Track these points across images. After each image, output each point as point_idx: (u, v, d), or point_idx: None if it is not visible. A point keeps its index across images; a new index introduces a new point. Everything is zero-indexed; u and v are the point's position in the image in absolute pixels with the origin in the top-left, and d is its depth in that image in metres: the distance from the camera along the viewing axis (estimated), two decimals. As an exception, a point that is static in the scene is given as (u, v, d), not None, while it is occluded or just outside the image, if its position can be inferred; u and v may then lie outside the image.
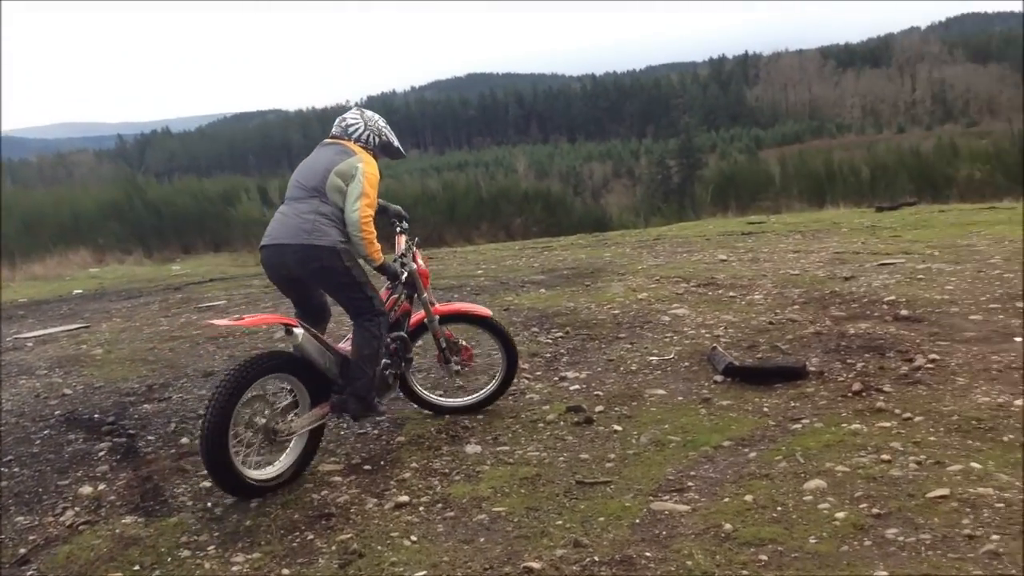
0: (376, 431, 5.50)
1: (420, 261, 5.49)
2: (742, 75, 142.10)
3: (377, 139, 5.28)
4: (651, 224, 23.20)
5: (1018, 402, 4.92)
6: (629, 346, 6.86)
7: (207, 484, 4.75)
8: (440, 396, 5.84)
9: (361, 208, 4.87)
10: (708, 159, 66.44)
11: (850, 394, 5.40)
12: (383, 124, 5.32)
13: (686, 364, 6.32)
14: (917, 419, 4.85)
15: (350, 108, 5.42)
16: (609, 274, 9.93)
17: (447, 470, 4.78)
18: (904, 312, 7.10)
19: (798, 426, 4.97)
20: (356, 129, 5.20)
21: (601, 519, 4.00)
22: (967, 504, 3.74)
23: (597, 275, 9.92)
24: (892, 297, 7.60)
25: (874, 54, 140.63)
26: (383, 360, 5.12)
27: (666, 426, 5.15)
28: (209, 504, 4.56)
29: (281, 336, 4.83)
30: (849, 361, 6.03)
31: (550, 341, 7.12)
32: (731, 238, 13.10)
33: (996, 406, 4.90)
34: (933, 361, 5.79)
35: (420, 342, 5.76)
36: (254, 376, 4.49)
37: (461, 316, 5.73)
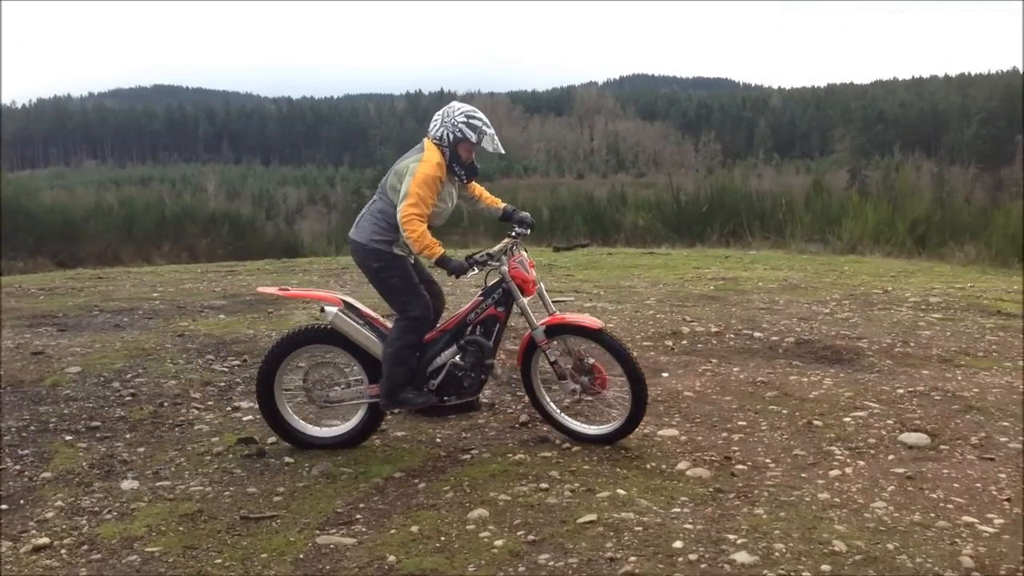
0: (18, 466, 4.97)
1: (521, 266, 5.11)
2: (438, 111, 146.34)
3: (451, 136, 5.01)
4: (343, 252, 23.11)
5: (661, 432, 5.42)
6: (308, 376, 6.75)
7: None
8: (571, 419, 5.35)
9: (403, 208, 4.82)
10: (403, 191, 67.40)
11: (517, 425, 5.67)
12: (463, 120, 5.01)
13: (364, 395, 6.32)
14: (575, 449, 5.18)
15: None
16: (293, 302, 9.73)
17: (97, 508, 4.42)
18: (570, 347, 7.58)
19: (468, 456, 5.13)
20: (433, 125, 5.08)
21: (264, 555, 3.88)
22: (611, 528, 4.04)
23: (280, 302, 9.69)
24: (561, 333, 8.09)
25: (558, 103, 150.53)
26: (451, 360, 5.10)
27: (339, 457, 5.11)
28: None
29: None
30: (519, 393, 6.32)
31: (226, 369, 6.83)
32: (418, 270, 13.33)
33: (642, 436, 5.35)
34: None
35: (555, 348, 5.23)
36: (301, 341, 5.14)
37: (565, 327, 5.17)
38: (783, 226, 18.50)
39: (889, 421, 5.54)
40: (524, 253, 5.19)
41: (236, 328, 8.15)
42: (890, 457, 4.98)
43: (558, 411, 5.35)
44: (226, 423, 5.74)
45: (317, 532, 4.11)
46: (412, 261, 5.19)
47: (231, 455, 5.17)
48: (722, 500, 4.40)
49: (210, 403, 6.12)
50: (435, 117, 5.10)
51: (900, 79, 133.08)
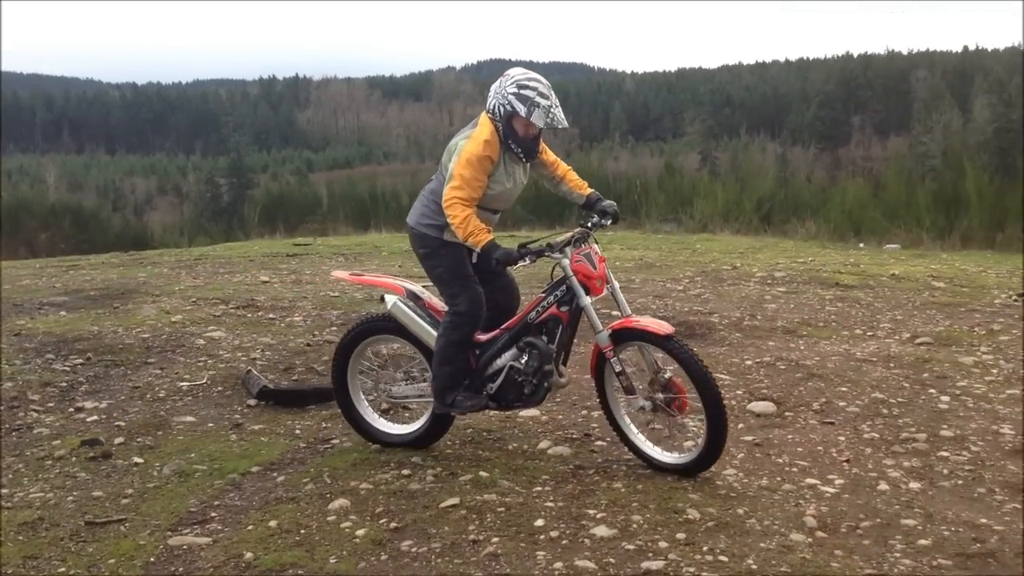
0: None
1: (587, 260, 4.43)
2: (293, 97, 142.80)
3: (502, 109, 4.39)
4: (196, 243, 22.34)
5: (522, 412, 5.46)
6: (159, 372, 6.48)
7: None
8: (651, 443, 4.55)
9: (446, 192, 4.37)
10: (260, 179, 65.82)
11: (378, 412, 5.59)
12: (513, 91, 4.35)
13: (219, 389, 6.12)
14: (437, 433, 5.16)
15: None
16: (142, 295, 9.32)
17: (-74, 523, 4.11)
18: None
19: (328, 446, 5.05)
20: (488, 98, 4.47)
21: (111, 561, 3.70)
22: (474, 511, 4.05)
23: (128, 296, 9.26)
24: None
25: (416, 88, 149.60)
26: (510, 363, 4.58)
27: (192, 455, 4.93)
28: None
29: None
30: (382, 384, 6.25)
31: (67, 369, 6.47)
32: (275, 259, 13.03)
33: (504, 418, 5.38)
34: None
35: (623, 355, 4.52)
36: (370, 331, 4.95)
37: (631, 332, 4.41)
38: (639, 207, 19.02)
39: (739, 391, 5.76)
40: (595, 246, 4.56)
41: (79, 325, 7.74)
42: (740, 426, 5.18)
43: (637, 432, 4.61)
44: (68, 425, 5.44)
45: (169, 533, 3.95)
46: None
47: (74, 458, 4.90)
48: (582, 477, 4.47)
49: (50, 405, 5.78)
50: (492, 86, 4.50)
51: (745, 63, 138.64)
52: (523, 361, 4.55)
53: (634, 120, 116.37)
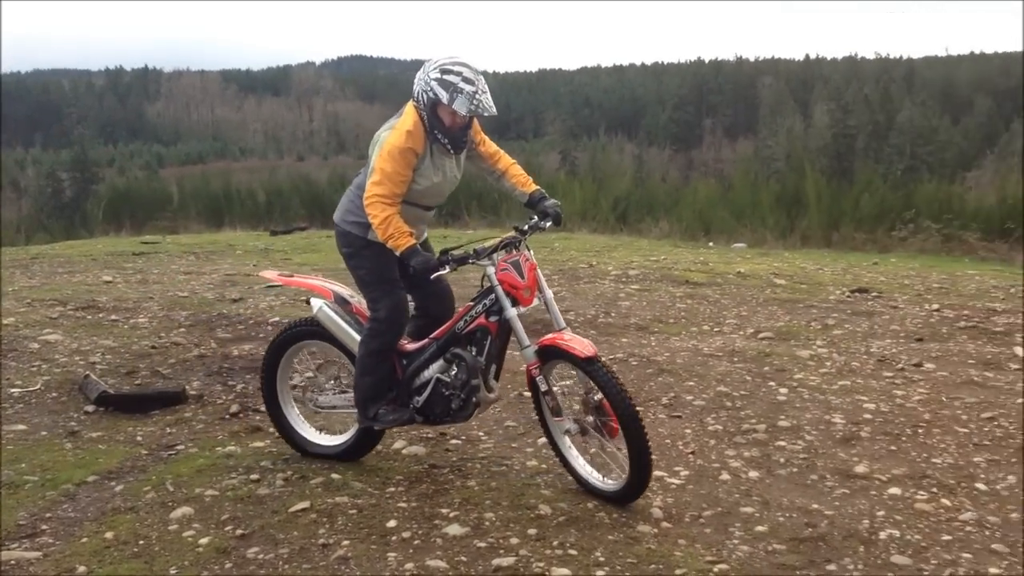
0: None
1: (514, 268, 4.07)
2: (142, 89, 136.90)
3: (425, 96, 4.04)
4: (34, 241, 21.14)
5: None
6: (-13, 378, 6.09)
7: None
8: (589, 466, 4.27)
9: (368, 187, 4.09)
10: (106, 174, 62.88)
11: (228, 416, 5.44)
12: (436, 76, 3.99)
13: (54, 395, 5.80)
14: (287, 436, 5.05)
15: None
16: (-29, 297, 8.73)
17: None
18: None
19: (172, 453, 4.86)
20: (414, 84, 4.12)
21: (-72, 583, 3.45)
22: (324, 514, 3.99)
23: (-45, 298, 8.66)
24: (276, 318, 7.88)
25: (275, 83, 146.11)
26: (436, 376, 4.32)
27: (23, 465, 4.64)
28: None
29: None
30: (230, 383, 6.08)
31: None
32: (121, 258, 12.46)
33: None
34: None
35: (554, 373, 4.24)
36: (299, 336, 4.68)
37: (555, 351, 4.09)
38: (498, 206, 19.14)
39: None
40: (527, 252, 4.21)
41: None
42: (591, 420, 5.26)
43: (576, 455, 4.34)
44: None
45: (-5, 549, 3.72)
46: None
47: None
48: (436, 476, 4.46)
49: None
50: (417, 72, 4.17)
51: (603, 66, 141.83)
52: (451, 374, 4.28)
53: (496, 119, 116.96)
